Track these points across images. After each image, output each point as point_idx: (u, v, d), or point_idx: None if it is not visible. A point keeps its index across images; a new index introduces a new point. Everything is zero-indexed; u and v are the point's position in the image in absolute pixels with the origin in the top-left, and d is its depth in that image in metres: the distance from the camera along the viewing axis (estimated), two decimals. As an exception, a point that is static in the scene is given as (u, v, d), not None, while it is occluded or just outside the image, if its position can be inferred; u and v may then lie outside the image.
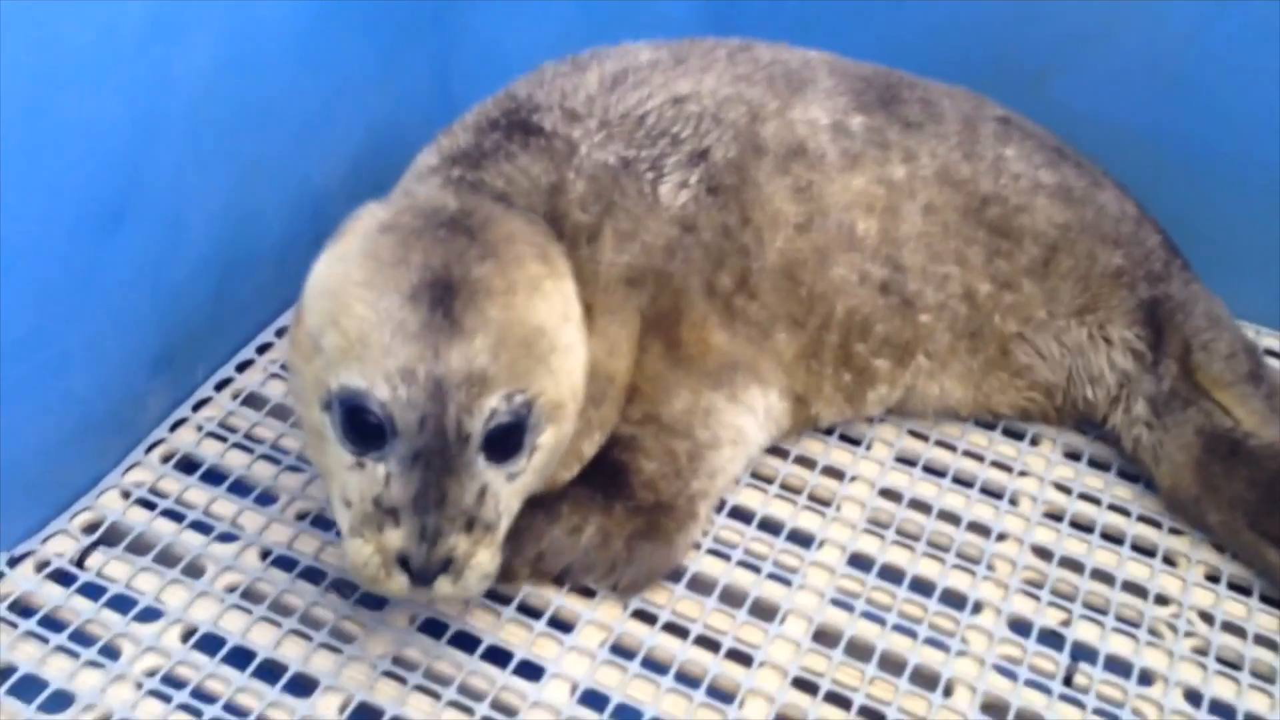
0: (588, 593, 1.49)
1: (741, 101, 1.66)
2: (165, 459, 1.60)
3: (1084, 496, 1.71)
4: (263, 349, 1.77)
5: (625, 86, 1.64)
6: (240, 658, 1.38)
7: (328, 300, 1.29)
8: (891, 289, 1.67)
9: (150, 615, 1.41)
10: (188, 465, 1.60)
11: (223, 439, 1.63)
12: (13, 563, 1.45)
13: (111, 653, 1.37)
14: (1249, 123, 1.88)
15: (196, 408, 1.67)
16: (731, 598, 1.51)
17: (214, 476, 1.58)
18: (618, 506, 1.48)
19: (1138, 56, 1.90)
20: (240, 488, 1.57)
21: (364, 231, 1.33)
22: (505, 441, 1.28)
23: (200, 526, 1.52)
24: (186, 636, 1.40)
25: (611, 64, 1.67)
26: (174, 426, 1.64)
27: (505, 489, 1.29)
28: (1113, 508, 1.70)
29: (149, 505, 1.53)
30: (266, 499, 1.56)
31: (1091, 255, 1.73)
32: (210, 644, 1.39)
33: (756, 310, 1.62)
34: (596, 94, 1.62)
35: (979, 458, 1.75)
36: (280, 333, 1.79)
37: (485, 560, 1.27)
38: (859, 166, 1.67)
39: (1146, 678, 1.49)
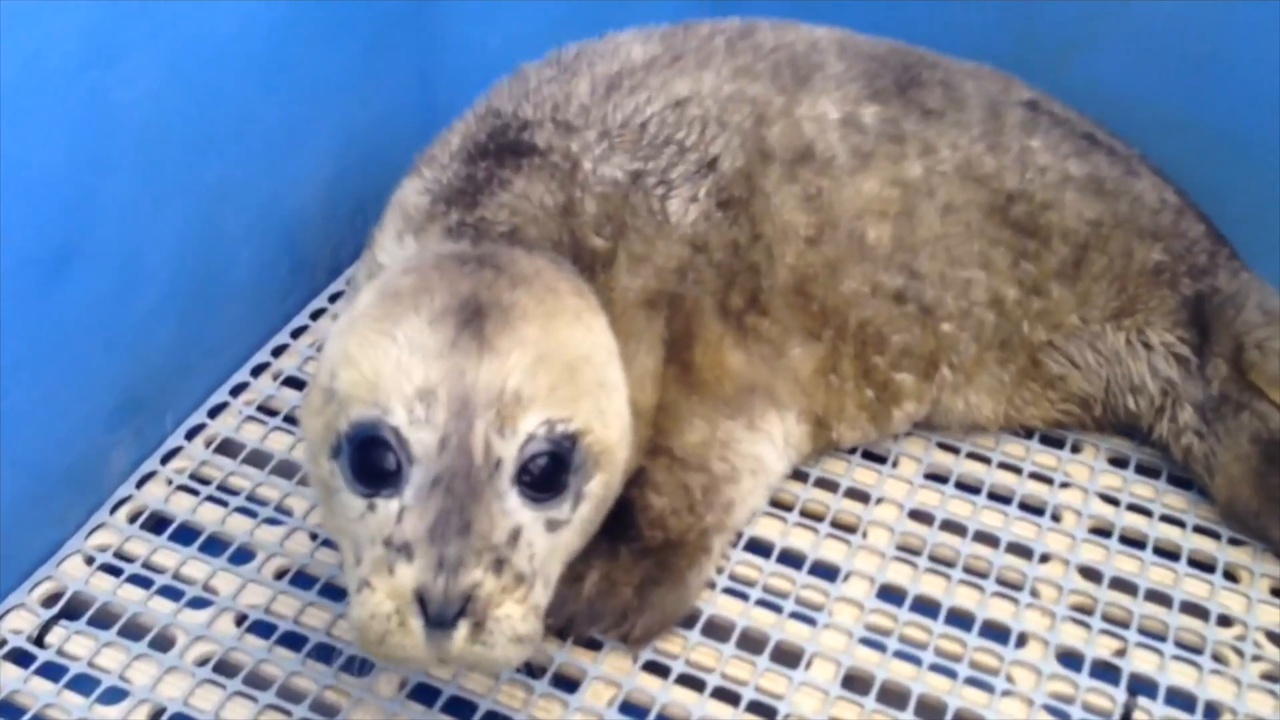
0: (593, 644, 1.37)
1: (745, 100, 1.53)
2: (132, 518, 1.49)
3: (1133, 508, 1.58)
4: (238, 390, 1.65)
5: (621, 92, 1.51)
6: (214, 739, 1.27)
7: (342, 342, 1.15)
8: (908, 297, 1.54)
9: (115, 696, 1.30)
10: (157, 523, 1.48)
11: (195, 492, 1.51)
12: (-33, 642, 1.34)
13: (74, 739, 1.26)
14: (1289, 94, 1.74)
15: (166, 459, 1.56)
16: (751, 642, 1.39)
17: (185, 534, 1.47)
18: (622, 550, 1.36)
19: (1168, 29, 1.77)
20: (214, 545, 1.46)
21: (381, 280, 1.21)
22: (545, 480, 1.11)
23: (170, 592, 1.40)
24: (155, 716, 1.28)
25: (602, 66, 1.54)
26: (141, 481, 1.52)
27: (543, 541, 1.10)
28: (1165, 519, 1.56)
29: (114, 571, 1.42)
30: (242, 556, 1.45)
31: (1128, 252, 1.59)
32: (181, 725, 1.28)
33: (769, 327, 1.49)
34: (590, 102, 1.49)
35: (1016, 470, 1.62)
36: (257, 371, 1.68)
37: (516, 615, 1.05)
38: (870, 167, 1.54)
39: (1212, 711, 1.36)
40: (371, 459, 1.09)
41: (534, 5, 1.94)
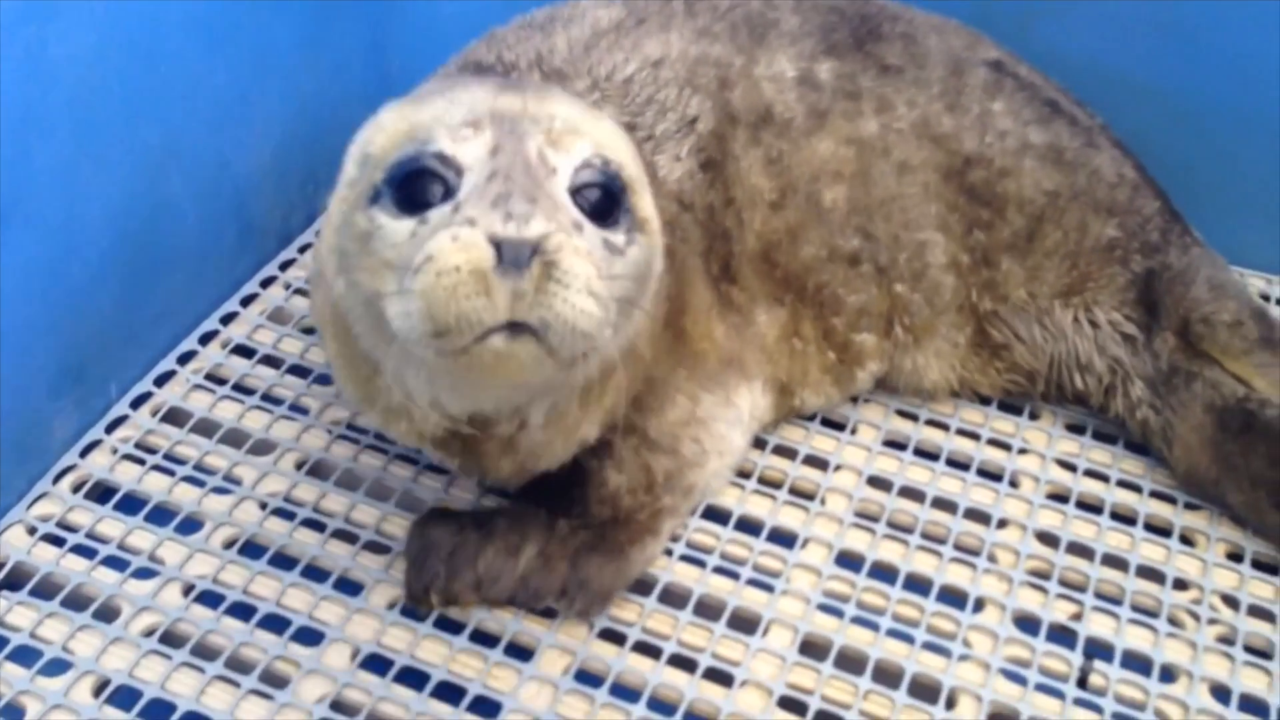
0: (548, 612, 1.35)
1: (709, 63, 1.51)
2: (76, 488, 1.45)
3: (1090, 473, 1.57)
4: (185, 358, 1.61)
5: (599, 49, 1.50)
6: (159, 711, 1.23)
7: (368, 130, 1.14)
8: (862, 259, 1.53)
9: (58, 668, 1.27)
10: (102, 493, 1.45)
11: (140, 461, 1.48)
12: (-94, 613, 1.31)
13: (15, 712, 1.23)
14: (1252, 63, 1.73)
15: (111, 428, 1.52)
16: (708, 609, 1.37)
17: (131, 504, 1.43)
18: (561, 523, 1.33)
19: (1130, -4, 1.75)
20: (161, 515, 1.42)
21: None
22: (602, 207, 1.09)
23: (115, 562, 1.37)
24: (99, 690, 1.25)
25: (576, 28, 1.53)
26: (85, 451, 1.49)
27: (604, 254, 1.07)
28: (1122, 484, 1.56)
29: (57, 541, 1.38)
30: (190, 526, 1.41)
31: (1082, 226, 1.57)
32: (125, 698, 1.24)
33: (738, 295, 1.48)
34: (573, 56, 1.47)
35: (974, 436, 1.61)
36: (205, 339, 1.64)
37: (589, 270, 1.01)
38: (826, 126, 1.52)
39: (1169, 674, 1.35)
40: (416, 189, 1.06)
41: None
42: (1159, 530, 1.51)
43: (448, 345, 1.02)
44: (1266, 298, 1.85)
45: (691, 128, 1.47)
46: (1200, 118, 1.79)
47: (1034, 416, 1.64)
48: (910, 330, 1.57)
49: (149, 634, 1.30)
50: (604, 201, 1.09)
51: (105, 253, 1.43)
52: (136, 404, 1.55)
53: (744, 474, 1.52)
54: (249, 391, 1.58)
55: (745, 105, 1.50)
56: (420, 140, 1.07)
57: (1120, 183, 1.61)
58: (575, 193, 1.08)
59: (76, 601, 1.33)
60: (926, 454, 1.58)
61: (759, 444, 1.56)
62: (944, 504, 1.52)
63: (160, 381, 1.58)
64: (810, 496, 1.51)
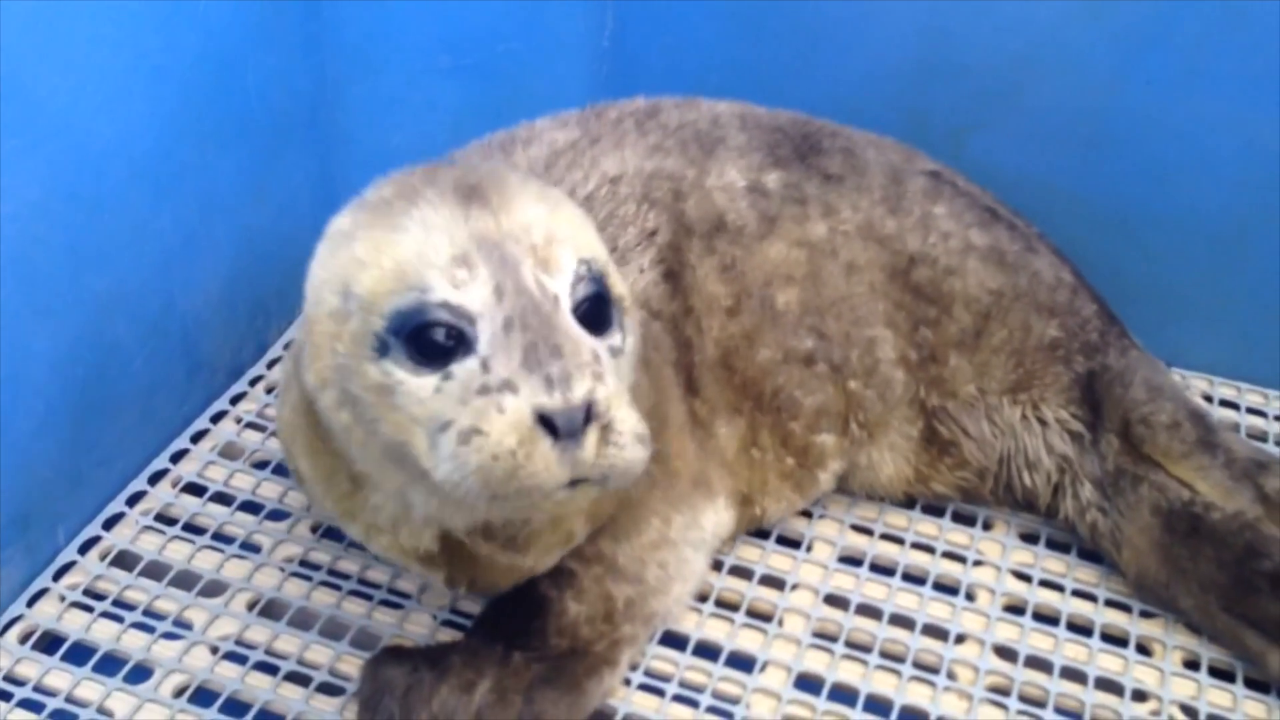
0: (507, 750, 1.33)
1: (663, 176, 1.56)
2: (23, 639, 1.42)
3: (1045, 583, 1.58)
4: (135, 499, 1.60)
5: (560, 167, 1.54)
6: None
7: (343, 257, 1.14)
8: (817, 358, 1.55)
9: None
10: (49, 643, 1.42)
11: (89, 609, 1.45)
12: None
13: None
14: (1176, 171, 1.79)
15: (58, 575, 1.49)
16: (669, 740, 1.36)
17: (79, 653, 1.41)
18: (516, 656, 1.31)
19: (1055, 110, 1.81)
20: (109, 664, 1.40)
21: (356, 203, 1.21)
22: (596, 315, 1.12)
23: (62, 716, 1.34)
24: None
25: (535, 148, 1.57)
26: (33, 600, 1.46)
27: (610, 364, 1.10)
28: (1077, 593, 1.56)
29: (4, 696, 1.35)
30: (139, 674, 1.39)
31: (1026, 326, 1.61)
32: None
33: (700, 408, 1.49)
34: (535, 173, 1.50)
35: (929, 549, 1.61)
36: (155, 479, 1.63)
37: (632, 418, 1.06)
38: (776, 230, 1.56)
39: (1132, 788, 1.35)
40: (427, 340, 1.07)
41: (434, 105, 1.94)
42: (1116, 640, 1.51)
43: (509, 505, 1.08)
44: (1209, 399, 1.88)
45: (651, 240, 1.50)
46: (1131, 226, 1.84)
47: (988, 527, 1.65)
48: (865, 426, 1.58)
49: (96, 794, 1.27)
50: (599, 308, 1.13)
51: (51, 401, 1.43)
52: (85, 549, 1.53)
53: (702, 597, 1.52)
54: (200, 531, 1.56)
55: (699, 215, 1.53)
56: (416, 287, 1.08)
57: (1059, 285, 1.65)
58: (577, 309, 1.11)
59: (22, 759, 1.30)
60: (883, 569, 1.58)
61: (716, 565, 1.56)
62: (902, 620, 1.51)
63: (109, 524, 1.56)
64: (768, 618, 1.51)
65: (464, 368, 1.06)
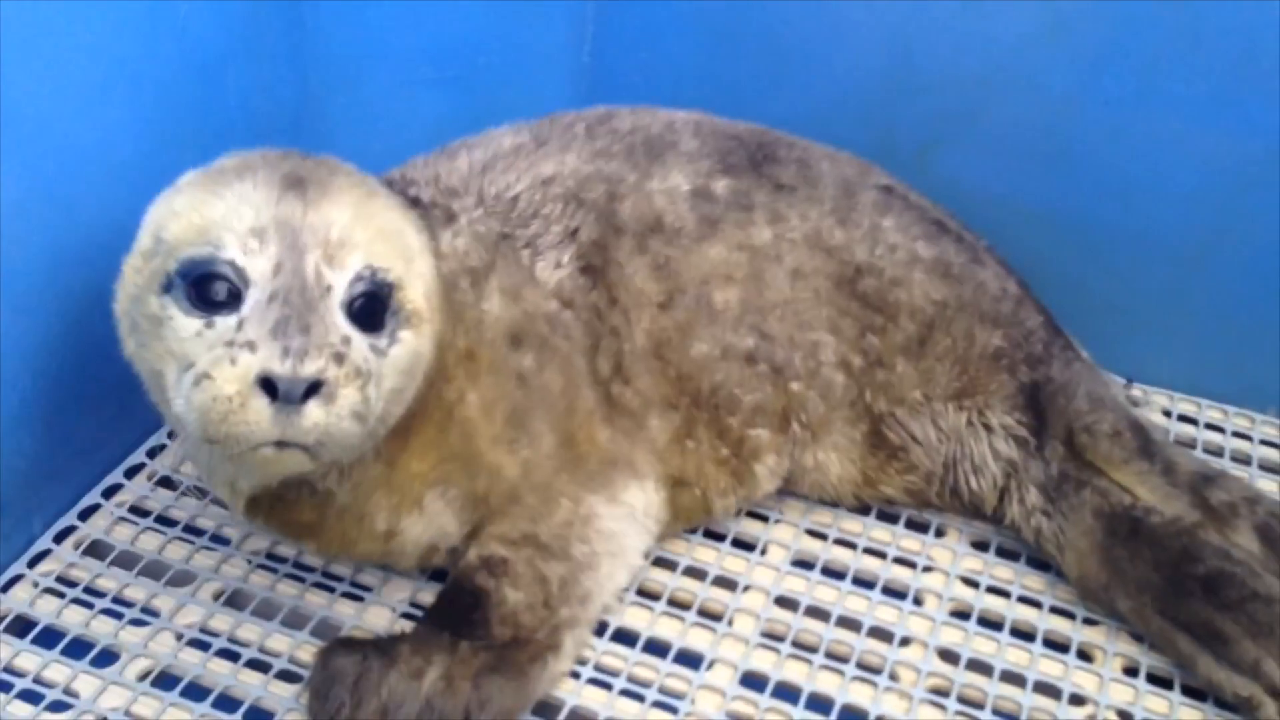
0: (457, 737, 1.37)
1: (600, 179, 1.61)
2: (-5, 623, 1.48)
3: (992, 590, 1.61)
4: (110, 492, 1.65)
5: (494, 171, 1.61)
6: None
7: (164, 206, 1.28)
8: (759, 357, 1.59)
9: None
10: (21, 628, 1.47)
11: (61, 595, 1.51)
12: None
13: None
14: (1134, 188, 1.83)
15: (33, 563, 1.55)
16: (613, 732, 1.40)
17: (49, 637, 1.46)
18: (463, 645, 1.36)
19: (1016, 128, 1.85)
20: (78, 648, 1.45)
21: (213, 163, 1.34)
22: (368, 314, 1.23)
23: (29, 696, 1.39)
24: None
25: (479, 152, 1.65)
26: (7, 586, 1.52)
27: (372, 358, 1.22)
28: (1023, 600, 1.60)
29: (-26, 676, 1.41)
30: (106, 658, 1.44)
31: (970, 335, 1.65)
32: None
33: (631, 397, 1.54)
34: (469, 176, 1.60)
35: (881, 555, 1.65)
36: (131, 473, 1.68)
37: (356, 397, 1.17)
38: (718, 233, 1.61)
39: (1063, 790, 1.38)
40: (206, 289, 1.20)
41: (416, 115, 2.00)
42: (1057, 646, 1.54)
43: (220, 449, 1.20)
44: (1168, 414, 1.92)
45: (573, 237, 1.57)
46: (1091, 242, 1.88)
47: (940, 534, 1.69)
48: (807, 426, 1.63)
49: (58, 772, 1.32)
50: (371, 308, 1.24)
51: (26, 395, 1.48)
52: (60, 538, 1.58)
53: (654, 596, 1.56)
54: (171, 523, 1.62)
55: (633, 216, 1.59)
56: (212, 243, 1.21)
57: (1004, 296, 1.69)
58: (348, 304, 1.22)
59: (-12, 738, 1.35)
60: (834, 573, 1.62)
61: (670, 565, 1.61)
62: (849, 623, 1.55)
63: (84, 515, 1.62)
64: (718, 618, 1.55)
65: (225, 322, 1.18)
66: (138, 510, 1.64)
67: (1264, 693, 1.43)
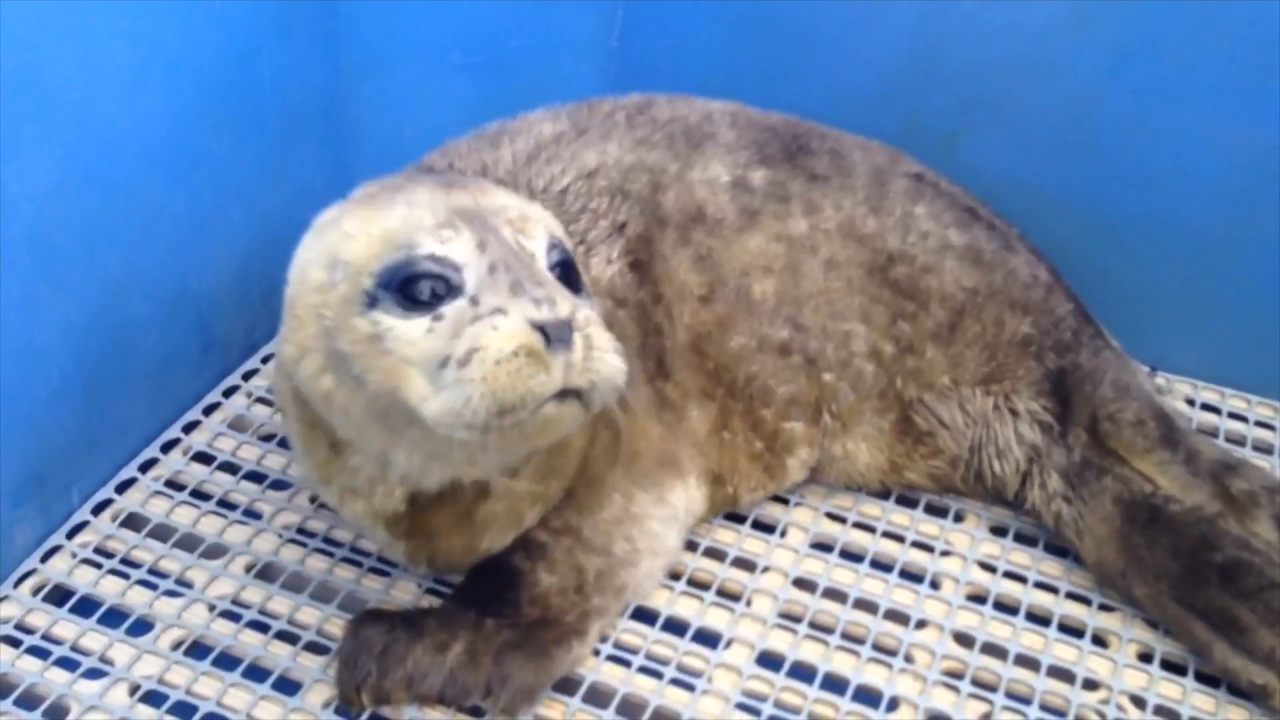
0: (479, 711, 1.41)
1: (644, 169, 1.63)
2: (35, 591, 1.52)
3: (1009, 575, 1.63)
4: (147, 465, 1.70)
5: (539, 161, 1.62)
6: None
7: (329, 237, 1.25)
8: (793, 349, 1.61)
9: (3, 766, 1.34)
10: (59, 597, 1.52)
11: (98, 565, 1.55)
12: None
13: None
14: (1158, 177, 1.83)
15: (71, 534, 1.60)
16: (630, 708, 1.43)
17: (86, 607, 1.51)
18: (488, 622, 1.39)
19: (1042, 117, 1.86)
20: (113, 617, 1.49)
21: (341, 202, 1.33)
22: (567, 278, 1.24)
23: (66, 663, 1.44)
24: (42, 788, 1.32)
25: (522, 140, 1.65)
26: (46, 556, 1.56)
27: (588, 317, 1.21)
28: (1040, 585, 1.62)
29: (14, 643, 1.45)
30: (141, 628, 1.49)
31: (999, 322, 1.67)
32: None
33: (672, 391, 1.56)
34: (515, 168, 1.60)
35: (899, 538, 1.68)
36: (167, 447, 1.73)
37: (607, 337, 1.19)
38: (757, 224, 1.62)
39: (1073, 772, 1.40)
40: (415, 290, 1.18)
41: (446, 99, 2.02)
42: (1073, 631, 1.56)
43: (508, 421, 1.14)
44: (1192, 403, 1.92)
45: (620, 232, 1.58)
46: (1116, 230, 1.88)
47: (959, 519, 1.71)
48: (838, 417, 1.65)
49: (94, 733, 1.37)
50: (570, 274, 1.26)
51: (66, 371, 1.52)
52: (98, 510, 1.63)
53: (674, 575, 1.59)
54: (206, 497, 1.66)
55: (677, 207, 1.61)
56: (404, 246, 1.18)
57: (1034, 283, 1.70)
58: (553, 266, 1.24)
59: (28, 701, 1.40)
60: (853, 556, 1.65)
61: (691, 546, 1.63)
62: (866, 605, 1.58)
63: (121, 489, 1.66)
64: (737, 598, 1.57)
65: (453, 307, 1.17)
66: (173, 484, 1.68)
67: (1278, 680, 1.44)
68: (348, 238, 1.22)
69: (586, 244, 1.56)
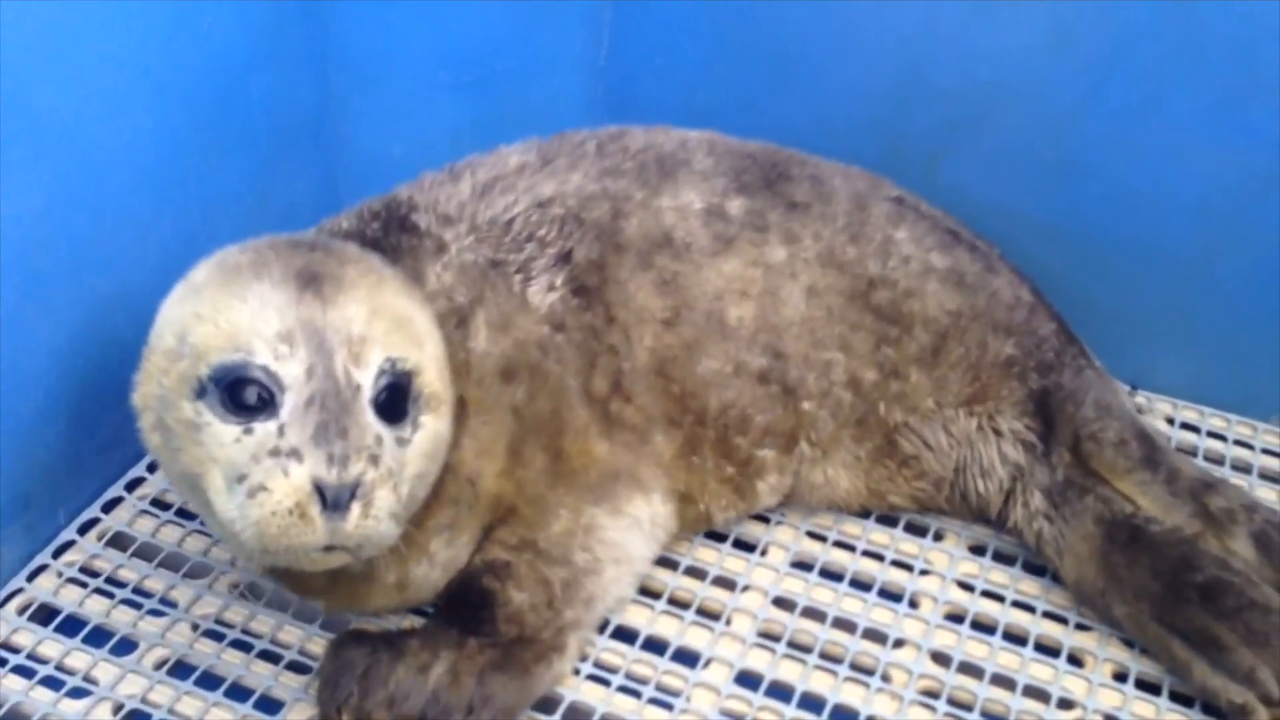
0: (459, 729, 1.42)
1: (605, 197, 1.63)
2: (21, 610, 1.54)
3: (987, 594, 1.65)
4: (133, 485, 1.71)
5: (494, 193, 1.63)
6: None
7: (186, 308, 1.31)
8: (771, 378, 1.62)
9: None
10: (45, 616, 1.54)
11: (84, 585, 1.57)
12: None
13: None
14: (1137, 198, 1.85)
15: (58, 553, 1.61)
16: (610, 728, 1.45)
17: (71, 626, 1.52)
18: (471, 642, 1.41)
19: (1022, 139, 1.87)
20: (98, 636, 1.51)
21: (214, 260, 1.37)
22: (393, 405, 1.29)
23: (50, 682, 1.45)
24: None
25: (484, 172, 1.66)
26: (33, 575, 1.58)
27: (396, 451, 1.28)
28: (1017, 604, 1.63)
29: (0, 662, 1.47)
30: (125, 647, 1.50)
31: (983, 344, 1.68)
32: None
33: (632, 414, 1.57)
34: (467, 201, 1.62)
35: (879, 557, 1.69)
36: (154, 466, 1.74)
37: (391, 500, 1.24)
38: (732, 250, 1.63)
39: (1046, 792, 1.42)
40: (241, 395, 1.24)
41: (435, 118, 2.04)
42: (1049, 650, 1.58)
43: (274, 558, 1.27)
44: (1171, 421, 1.94)
45: (567, 259, 1.58)
46: (1096, 251, 1.90)
47: (939, 538, 1.73)
48: (817, 445, 1.66)
49: (77, 753, 1.39)
50: (394, 399, 1.30)
51: (51, 391, 1.54)
52: (84, 530, 1.64)
53: (655, 594, 1.61)
54: (191, 516, 1.67)
55: (639, 233, 1.62)
56: (243, 349, 1.24)
57: (1017, 304, 1.72)
58: (375, 399, 1.27)
59: (12, 718, 1.41)
60: (832, 575, 1.66)
61: (672, 564, 1.65)
62: (844, 624, 1.59)
63: (108, 508, 1.68)
64: (716, 617, 1.59)
65: (264, 427, 1.23)
66: (159, 503, 1.69)
67: (1257, 700, 1.45)
68: (199, 319, 1.28)
69: (526, 272, 1.57)
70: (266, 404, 1.24)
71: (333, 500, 1.19)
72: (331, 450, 1.20)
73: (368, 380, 1.26)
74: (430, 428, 1.33)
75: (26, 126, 1.42)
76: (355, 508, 1.20)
